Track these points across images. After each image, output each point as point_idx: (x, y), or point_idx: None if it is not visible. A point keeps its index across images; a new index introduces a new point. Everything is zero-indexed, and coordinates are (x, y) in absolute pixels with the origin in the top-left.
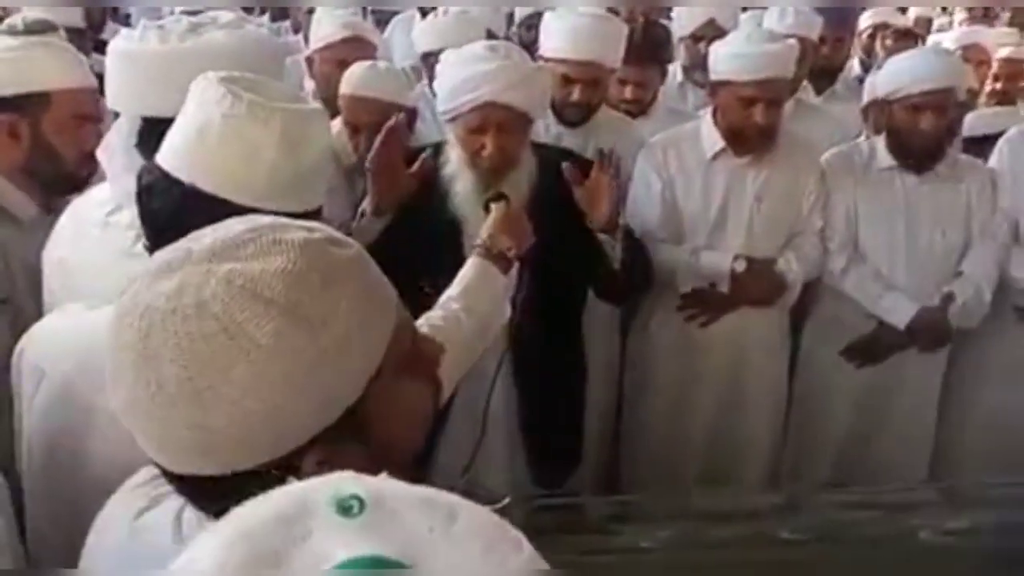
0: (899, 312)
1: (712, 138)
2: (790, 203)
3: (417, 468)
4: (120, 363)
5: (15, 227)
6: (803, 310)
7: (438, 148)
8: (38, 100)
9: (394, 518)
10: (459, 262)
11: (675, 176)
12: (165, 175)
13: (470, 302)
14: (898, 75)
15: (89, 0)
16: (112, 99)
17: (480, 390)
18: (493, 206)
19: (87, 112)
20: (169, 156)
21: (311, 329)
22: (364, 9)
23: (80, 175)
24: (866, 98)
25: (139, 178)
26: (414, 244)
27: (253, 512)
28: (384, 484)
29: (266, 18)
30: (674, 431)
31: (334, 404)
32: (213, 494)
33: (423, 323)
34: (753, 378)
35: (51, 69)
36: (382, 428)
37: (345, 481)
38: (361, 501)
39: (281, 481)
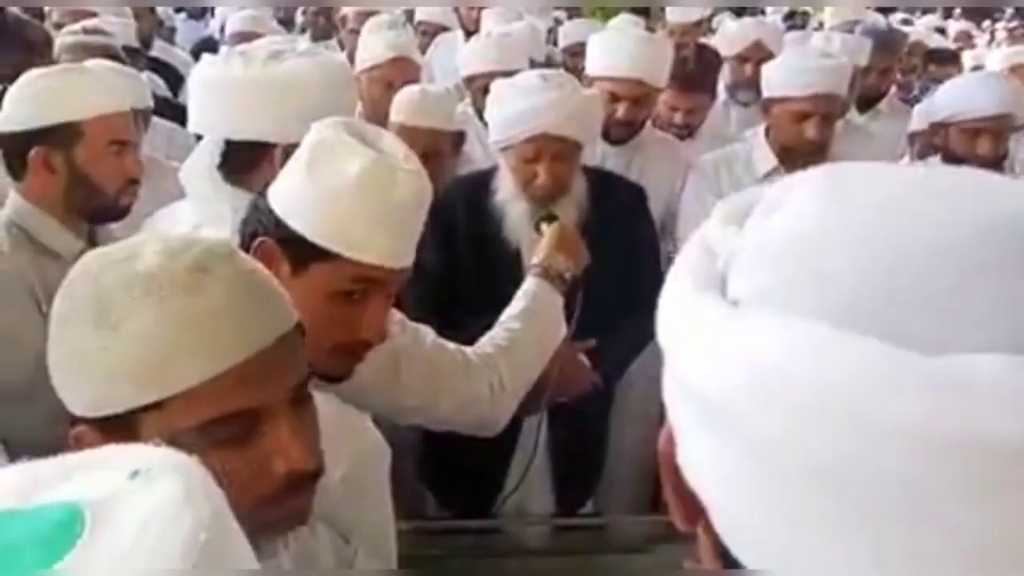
0: None
1: (764, 156)
2: None
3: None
4: None
5: (57, 265)
6: None
7: (490, 175)
8: (69, 131)
9: None
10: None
11: (727, 193)
12: (270, 211)
13: (530, 322)
14: (956, 99)
15: None
16: (195, 123)
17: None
18: (545, 227)
19: (123, 137)
20: (281, 198)
21: (100, 324)
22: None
23: (121, 204)
24: (914, 125)
25: (254, 206)
26: (476, 274)
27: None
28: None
29: (307, 37)
30: None
31: (96, 402)
32: None
33: (485, 342)
34: None
35: (79, 98)
36: None
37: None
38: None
39: None
